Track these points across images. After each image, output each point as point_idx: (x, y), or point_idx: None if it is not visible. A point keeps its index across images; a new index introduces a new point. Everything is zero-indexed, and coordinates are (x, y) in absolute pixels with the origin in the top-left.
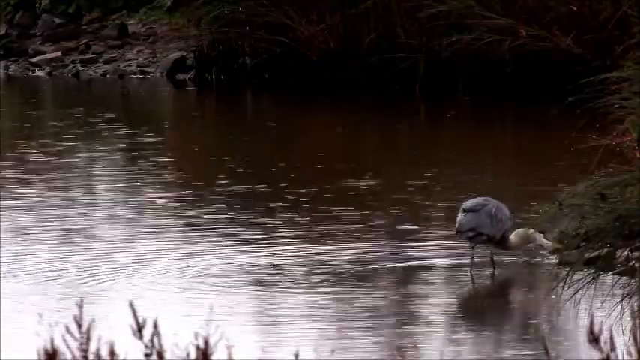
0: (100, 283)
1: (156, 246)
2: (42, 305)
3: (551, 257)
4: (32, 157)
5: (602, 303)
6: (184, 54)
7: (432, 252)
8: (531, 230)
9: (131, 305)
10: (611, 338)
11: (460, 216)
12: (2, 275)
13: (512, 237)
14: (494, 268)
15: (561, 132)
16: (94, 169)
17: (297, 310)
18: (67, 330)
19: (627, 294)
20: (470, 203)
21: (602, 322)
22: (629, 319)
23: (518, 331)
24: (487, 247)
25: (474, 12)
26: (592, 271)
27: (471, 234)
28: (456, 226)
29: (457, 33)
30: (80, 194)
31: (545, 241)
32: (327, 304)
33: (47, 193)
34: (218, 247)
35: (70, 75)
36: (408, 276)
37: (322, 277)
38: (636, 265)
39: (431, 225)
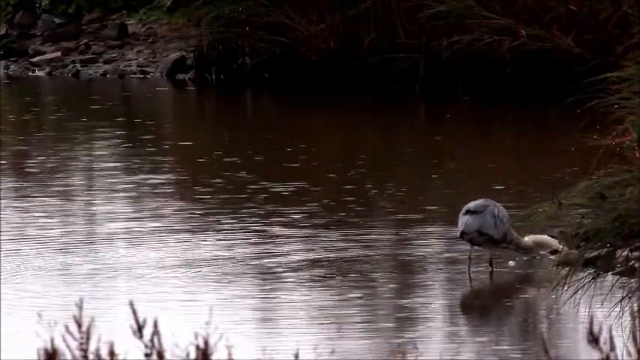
0: (100, 283)
1: (155, 245)
2: (42, 305)
3: (551, 257)
4: (32, 157)
5: (602, 303)
6: (184, 54)
7: (432, 251)
8: (547, 237)
9: (131, 305)
10: (611, 338)
11: (464, 217)
12: (2, 275)
13: (528, 239)
14: (492, 268)
15: (561, 132)
16: (93, 168)
17: (297, 310)
18: (67, 330)
19: (627, 294)
20: (473, 204)
21: (601, 322)
22: (629, 319)
23: (518, 331)
24: (489, 248)
25: (474, 12)
26: (592, 271)
27: (476, 235)
28: (462, 227)
29: (457, 33)
30: (80, 193)
31: (557, 244)
32: (327, 304)
33: (46, 193)
34: (218, 246)
35: (70, 75)
36: (407, 275)
37: (322, 276)
38: (636, 265)
39: (431, 225)
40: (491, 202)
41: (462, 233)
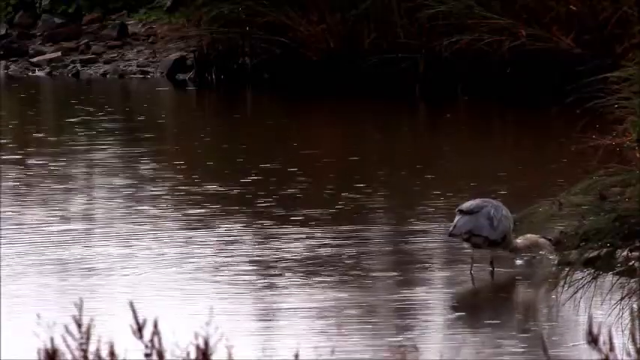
0: (99, 282)
1: (155, 245)
2: (41, 305)
3: (551, 257)
4: (31, 157)
5: (602, 303)
6: (184, 54)
7: (432, 251)
8: (542, 238)
9: (131, 305)
10: (611, 339)
11: (456, 218)
12: (2, 275)
13: (520, 240)
14: (493, 267)
15: (561, 132)
16: (93, 169)
17: (297, 310)
18: (67, 330)
19: (627, 294)
20: (467, 205)
21: (601, 322)
22: (628, 319)
23: (518, 331)
24: (488, 251)
25: (474, 12)
26: (592, 271)
27: (465, 236)
28: (451, 228)
29: (457, 33)
30: (79, 194)
31: (549, 248)
32: (327, 304)
33: (46, 193)
34: (218, 247)
35: (70, 75)
36: (407, 275)
37: (322, 276)
38: (636, 265)
39: (430, 224)
40: (490, 202)
41: (450, 234)
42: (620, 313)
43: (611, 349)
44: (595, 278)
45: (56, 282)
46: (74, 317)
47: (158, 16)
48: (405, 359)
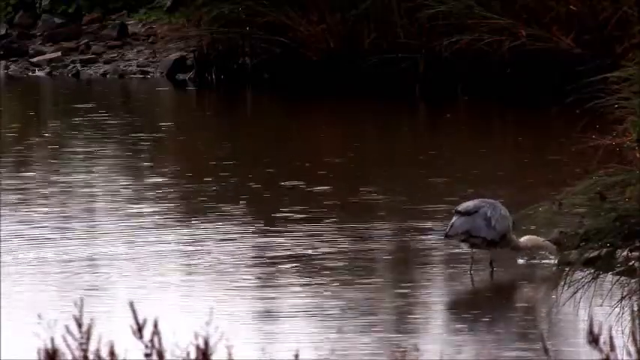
0: (99, 282)
1: (156, 245)
2: (41, 305)
3: (551, 257)
4: (31, 157)
5: (602, 303)
6: (184, 54)
7: (432, 251)
8: (546, 241)
9: (131, 305)
10: (611, 338)
11: (453, 219)
12: (2, 275)
13: (524, 240)
14: (492, 268)
15: (561, 132)
16: (93, 169)
17: (297, 310)
18: (67, 330)
19: (627, 294)
20: (464, 206)
21: (601, 322)
22: (629, 319)
23: (518, 331)
24: (487, 251)
25: (474, 12)
26: (592, 271)
27: (462, 237)
28: (447, 229)
29: (457, 33)
30: (79, 194)
31: (554, 253)
32: (327, 304)
33: (46, 193)
34: (218, 246)
35: (70, 75)
36: (407, 276)
37: (322, 276)
38: (636, 265)
39: (430, 225)
40: (487, 202)
41: (447, 235)
42: (621, 313)
43: (612, 349)
44: (595, 278)
45: (56, 282)
46: (74, 317)
47: (158, 16)
48: (405, 359)
